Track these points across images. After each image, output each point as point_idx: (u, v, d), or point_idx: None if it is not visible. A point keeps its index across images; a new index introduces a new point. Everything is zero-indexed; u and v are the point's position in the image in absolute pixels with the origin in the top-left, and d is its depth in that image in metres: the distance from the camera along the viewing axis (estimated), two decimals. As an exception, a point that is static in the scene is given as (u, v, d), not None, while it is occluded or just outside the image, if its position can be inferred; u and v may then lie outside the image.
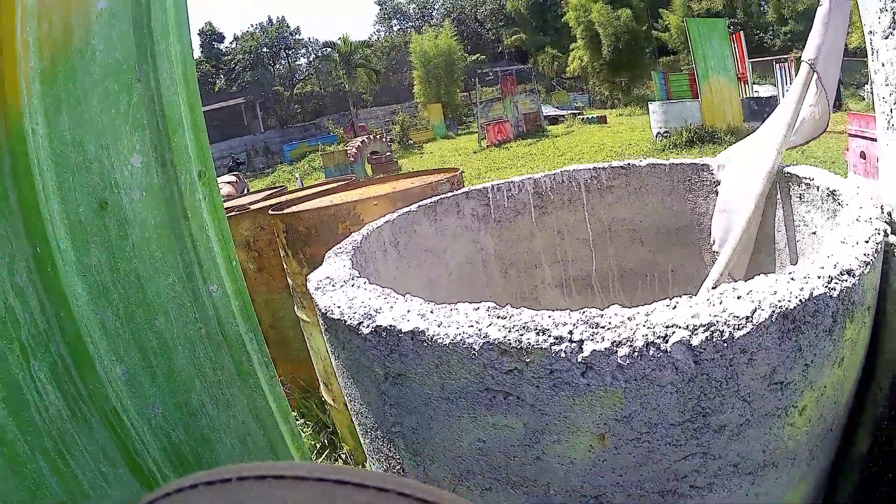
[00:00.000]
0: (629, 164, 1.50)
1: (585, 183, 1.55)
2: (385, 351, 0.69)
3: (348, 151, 11.79)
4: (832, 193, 0.94)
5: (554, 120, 19.97)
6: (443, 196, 1.41)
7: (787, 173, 1.11)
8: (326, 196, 2.00)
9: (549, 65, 30.60)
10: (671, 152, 8.45)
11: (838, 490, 0.86)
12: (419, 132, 21.35)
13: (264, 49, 35.15)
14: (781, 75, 15.92)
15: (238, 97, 31.87)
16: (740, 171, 1.25)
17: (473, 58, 32.18)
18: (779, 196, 1.15)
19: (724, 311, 0.58)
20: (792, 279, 0.62)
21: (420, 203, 1.37)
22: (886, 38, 0.79)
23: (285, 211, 1.49)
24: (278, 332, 2.03)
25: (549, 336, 0.59)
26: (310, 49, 37.82)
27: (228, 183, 5.75)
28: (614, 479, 0.63)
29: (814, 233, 1.06)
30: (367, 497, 0.25)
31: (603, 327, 0.59)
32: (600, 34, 22.34)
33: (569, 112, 21.14)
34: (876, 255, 0.67)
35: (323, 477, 0.26)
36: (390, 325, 0.67)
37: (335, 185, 2.02)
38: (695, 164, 1.39)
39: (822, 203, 0.99)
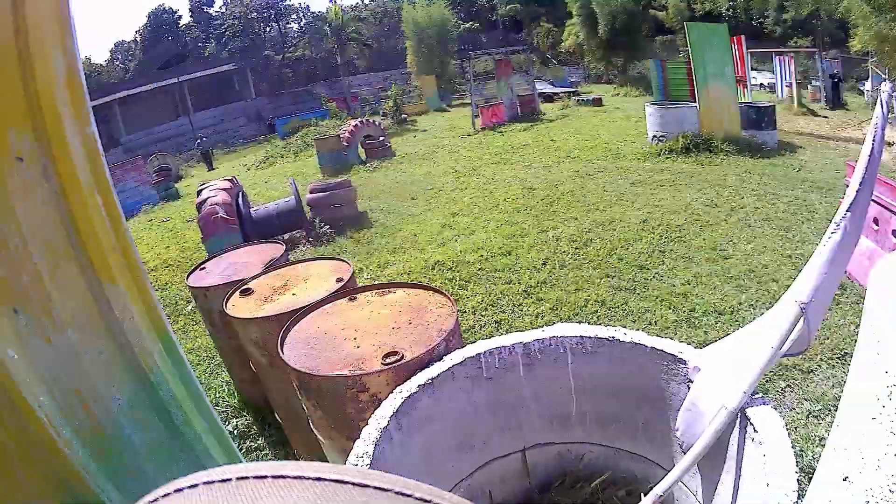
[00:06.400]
0: (613, 337, 1.62)
1: (571, 347, 1.67)
2: None
3: (341, 136, 11.63)
4: (767, 469, 1.09)
5: (549, 97, 19.88)
6: (440, 372, 1.53)
7: (747, 417, 1.24)
8: (326, 306, 2.09)
9: (543, 38, 30.04)
10: (667, 157, 8.53)
11: None
12: (413, 105, 21.07)
13: (254, 14, 34.02)
14: (780, 67, 16.42)
15: (229, 63, 31.09)
16: (710, 384, 1.38)
17: (467, 25, 31.35)
18: (737, 427, 1.29)
19: None
20: None
21: (419, 383, 1.49)
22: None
23: (299, 368, 1.62)
24: (292, 411, 2.27)
25: None
26: (301, 15, 36.74)
27: (223, 189, 5.59)
28: None
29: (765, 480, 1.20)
30: (367, 496, 0.25)
31: None
32: (597, 13, 21.91)
33: (563, 90, 21.02)
34: None
35: (322, 476, 0.26)
36: None
37: (333, 294, 2.12)
38: (673, 354, 1.51)
39: (762, 463, 1.14)
